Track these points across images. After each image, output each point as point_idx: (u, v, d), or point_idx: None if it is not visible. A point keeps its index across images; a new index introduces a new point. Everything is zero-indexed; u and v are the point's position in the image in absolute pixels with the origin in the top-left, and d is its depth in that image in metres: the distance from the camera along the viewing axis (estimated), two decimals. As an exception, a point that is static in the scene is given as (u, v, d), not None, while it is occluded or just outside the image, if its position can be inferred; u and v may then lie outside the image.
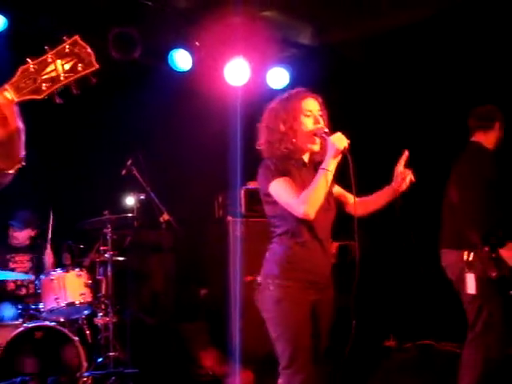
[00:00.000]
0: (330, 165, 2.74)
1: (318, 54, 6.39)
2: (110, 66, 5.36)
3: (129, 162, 5.27)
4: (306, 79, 6.42)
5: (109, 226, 4.97)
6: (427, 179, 4.11)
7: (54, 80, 1.89)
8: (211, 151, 5.96)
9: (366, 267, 2.90)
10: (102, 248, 5.07)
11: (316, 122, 2.89)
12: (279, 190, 2.81)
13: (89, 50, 1.93)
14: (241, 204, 5.54)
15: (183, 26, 5.58)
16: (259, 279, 2.91)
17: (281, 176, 2.81)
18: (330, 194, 2.90)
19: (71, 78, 1.91)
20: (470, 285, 3.66)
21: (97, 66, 1.93)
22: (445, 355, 5.12)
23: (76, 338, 4.46)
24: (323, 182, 2.72)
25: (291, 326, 2.78)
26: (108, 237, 4.98)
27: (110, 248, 4.97)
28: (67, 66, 1.90)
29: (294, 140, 2.87)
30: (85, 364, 4.41)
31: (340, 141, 2.72)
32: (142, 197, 5.32)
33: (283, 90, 6.45)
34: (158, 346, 5.11)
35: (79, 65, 1.91)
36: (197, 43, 5.70)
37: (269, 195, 2.86)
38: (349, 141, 2.73)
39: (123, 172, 5.25)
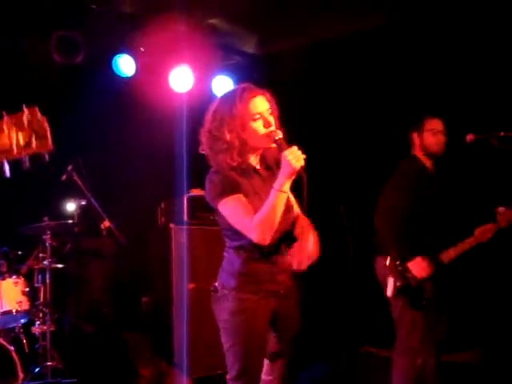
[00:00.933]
0: (284, 185, 2.50)
1: (262, 63, 6.45)
2: (52, 70, 5.33)
3: (69, 168, 5.20)
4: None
5: (48, 232, 4.89)
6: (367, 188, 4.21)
7: (5, 151, 1.78)
8: (155, 158, 5.93)
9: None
10: (40, 255, 4.98)
11: (267, 124, 2.64)
12: (229, 211, 2.62)
13: (46, 124, 1.81)
14: (184, 211, 5.52)
15: (128, 31, 5.54)
16: (216, 286, 2.80)
17: (229, 194, 2.59)
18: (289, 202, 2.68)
19: (23, 154, 1.79)
20: (389, 288, 3.81)
21: (51, 147, 1.81)
22: (383, 361, 5.22)
23: (12, 348, 4.35)
24: (277, 204, 2.49)
25: (244, 340, 2.69)
26: (47, 243, 4.91)
27: (49, 255, 4.90)
28: (21, 140, 1.78)
29: (241, 150, 2.65)
30: (21, 375, 4.29)
31: (296, 159, 2.45)
32: (82, 203, 5.25)
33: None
34: (98, 355, 5.03)
35: (34, 141, 1.78)
36: (141, 49, 5.67)
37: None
38: (304, 156, 2.48)
39: (63, 177, 5.18)
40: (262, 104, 2.68)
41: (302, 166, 2.47)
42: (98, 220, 5.28)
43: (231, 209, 2.62)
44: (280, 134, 2.61)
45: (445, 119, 4.08)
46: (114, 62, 5.59)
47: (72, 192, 5.24)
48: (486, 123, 3.90)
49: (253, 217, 2.54)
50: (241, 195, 2.61)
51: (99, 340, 5.16)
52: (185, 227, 5.42)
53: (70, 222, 5.14)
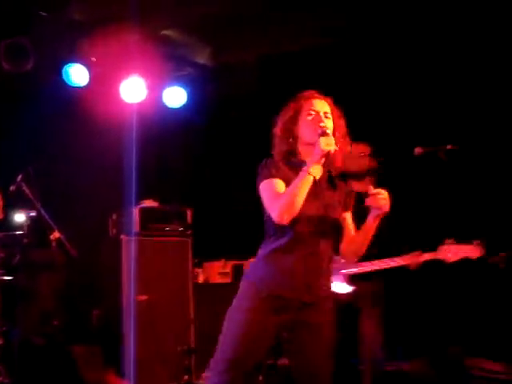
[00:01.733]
0: (311, 167, 2.53)
1: (215, 74, 6.47)
2: (1, 78, 5.23)
3: (19, 178, 5.10)
4: (203, 99, 6.50)
5: (-4, 243, 4.79)
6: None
7: None
8: (106, 168, 5.87)
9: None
10: (-12, 267, 4.86)
11: (318, 121, 2.68)
12: (262, 191, 2.64)
13: None
14: (135, 222, 5.48)
15: (79, 40, 5.49)
16: None
17: (270, 178, 2.62)
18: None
19: None
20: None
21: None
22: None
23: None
24: (301, 185, 2.51)
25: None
26: (-5, 255, 4.80)
27: (-2, 267, 4.79)
28: None
29: (290, 140, 2.73)
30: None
31: (327, 142, 2.53)
32: (32, 214, 5.15)
33: (179, 109, 6.54)
34: (48, 368, 4.94)
35: None
36: (93, 58, 5.62)
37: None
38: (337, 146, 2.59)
39: (12, 188, 5.08)
40: (321, 105, 2.75)
41: (329, 151, 2.53)
42: (48, 231, 5.19)
43: (265, 189, 2.64)
44: (328, 130, 2.62)
45: (394, 132, 4.17)
46: (65, 71, 5.52)
47: (21, 203, 5.14)
48: (434, 136, 3.99)
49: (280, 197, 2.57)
50: (279, 180, 2.63)
51: (49, 353, 5.06)
52: (136, 238, 5.39)
53: (19, 233, 5.04)
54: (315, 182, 2.60)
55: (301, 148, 2.74)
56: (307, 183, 2.53)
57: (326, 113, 2.73)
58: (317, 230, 2.62)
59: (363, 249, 2.77)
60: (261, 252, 2.72)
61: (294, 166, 2.68)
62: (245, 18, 5.27)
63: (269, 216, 2.62)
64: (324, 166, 2.67)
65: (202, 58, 6.28)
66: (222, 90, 6.49)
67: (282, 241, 2.62)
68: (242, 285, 2.71)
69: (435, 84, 5.33)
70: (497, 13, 4.76)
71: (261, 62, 6.05)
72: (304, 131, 2.71)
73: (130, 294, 5.28)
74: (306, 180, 2.52)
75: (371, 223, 2.66)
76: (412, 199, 5.32)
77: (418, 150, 3.72)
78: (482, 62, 5.11)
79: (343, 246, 2.80)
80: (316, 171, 2.57)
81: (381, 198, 2.59)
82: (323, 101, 2.77)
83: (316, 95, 2.78)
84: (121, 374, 5.14)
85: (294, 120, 2.74)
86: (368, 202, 2.63)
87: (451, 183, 3.59)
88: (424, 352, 5.24)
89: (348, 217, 2.82)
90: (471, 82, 5.18)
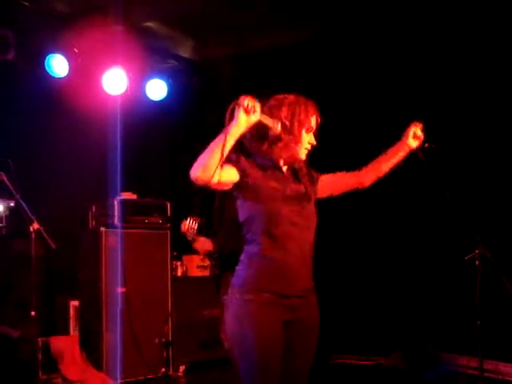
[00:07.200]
0: (235, 131, 2.37)
1: (198, 68, 6.48)
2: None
3: (-2, 169, 5.07)
4: (184, 92, 6.50)
5: (-26, 234, 4.77)
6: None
7: None
8: (87, 160, 5.85)
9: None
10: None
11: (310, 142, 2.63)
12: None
13: None
14: (115, 215, 5.48)
15: (61, 30, 5.46)
16: None
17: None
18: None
19: None
20: None
21: None
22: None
23: None
24: (218, 143, 2.34)
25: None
26: (-28, 245, 4.78)
27: (-25, 257, 4.78)
28: None
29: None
30: None
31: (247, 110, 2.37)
32: (11, 204, 5.13)
33: (161, 102, 6.52)
34: (24, 360, 4.93)
35: None
36: (75, 49, 5.60)
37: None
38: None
39: (-9, 178, 5.04)
40: (313, 122, 2.66)
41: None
42: (27, 222, 5.16)
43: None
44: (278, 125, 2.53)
45: (373, 127, 4.19)
46: (46, 61, 5.49)
47: (0, 193, 5.11)
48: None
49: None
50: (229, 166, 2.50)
51: (26, 345, 5.05)
52: (115, 230, 5.39)
53: (-2, 223, 5.02)
54: (284, 182, 2.59)
55: (276, 151, 2.61)
56: (224, 142, 2.34)
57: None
58: (298, 225, 2.57)
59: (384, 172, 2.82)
60: (246, 258, 2.57)
61: (263, 166, 2.59)
62: (228, 14, 5.28)
63: (250, 220, 2.55)
64: (287, 164, 2.65)
65: (185, 51, 6.28)
66: (203, 83, 6.50)
67: (266, 242, 2.52)
68: (237, 298, 2.50)
69: (415, 80, 5.39)
70: (472, 11, 4.83)
71: (244, 57, 6.07)
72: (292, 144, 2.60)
73: (109, 286, 5.28)
74: (223, 140, 2.34)
75: (402, 153, 2.79)
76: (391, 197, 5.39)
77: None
78: (459, 61, 5.18)
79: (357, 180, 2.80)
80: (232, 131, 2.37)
81: (417, 134, 2.76)
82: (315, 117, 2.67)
83: (316, 110, 2.67)
84: (98, 365, 5.15)
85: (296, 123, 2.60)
86: (405, 135, 2.77)
87: (427, 181, 3.62)
88: (399, 347, 5.32)
89: (325, 177, 2.77)
90: (452, 80, 5.25)
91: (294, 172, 2.69)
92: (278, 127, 2.52)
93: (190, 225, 4.02)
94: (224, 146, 2.34)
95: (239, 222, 2.63)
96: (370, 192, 2.82)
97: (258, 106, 2.40)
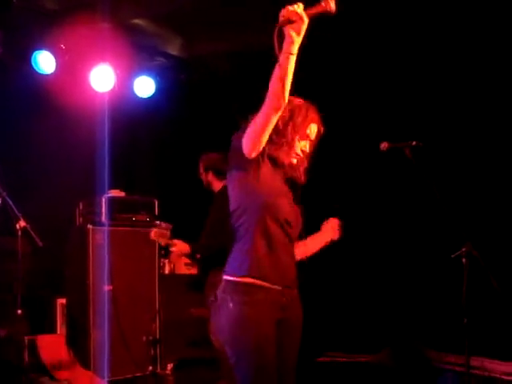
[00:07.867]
0: (294, 47, 2.25)
1: (186, 66, 6.45)
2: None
3: (-16, 166, 5.03)
4: (172, 89, 6.48)
5: (-41, 231, 4.73)
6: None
7: None
8: (74, 157, 5.83)
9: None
10: (-49, 255, 4.81)
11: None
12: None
13: None
14: (102, 212, 5.46)
15: (49, 27, 5.42)
16: None
17: None
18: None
19: None
20: None
21: None
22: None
23: None
24: (282, 67, 2.26)
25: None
26: (-42, 243, 4.75)
27: (-40, 255, 4.74)
28: None
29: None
30: None
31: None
32: (-4, 202, 5.09)
33: (149, 99, 6.50)
34: (10, 358, 4.90)
35: None
36: (62, 46, 5.56)
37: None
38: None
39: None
40: (313, 130, 2.64)
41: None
42: (14, 220, 5.13)
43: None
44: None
45: (359, 126, 4.17)
46: (33, 58, 5.45)
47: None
48: (401, 132, 4.03)
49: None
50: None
51: (12, 343, 5.02)
52: (102, 228, 5.38)
53: (-17, 221, 4.98)
54: (281, 181, 2.60)
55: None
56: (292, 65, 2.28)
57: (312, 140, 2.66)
58: (290, 223, 2.58)
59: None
60: (239, 256, 2.53)
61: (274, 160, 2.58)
62: (216, 11, 5.26)
63: (243, 220, 2.51)
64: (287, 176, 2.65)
65: (174, 49, 6.26)
66: (192, 81, 6.48)
67: (259, 234, 2.49)
68: (230, 300, 2.47)
69: (403, 78, 5.40)
70: (472, 10, 4.84)
71: (232, 55, 6.05)
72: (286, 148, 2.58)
73: (96, 284, 5.27)
74: (291, 62, 2.27)
75: (318, 245, 2.83)
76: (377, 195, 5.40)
77: (383, 145, 3.70)
78: (448, 60, 5.19)
79: None
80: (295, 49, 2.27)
81: (335, 228, 2.78)
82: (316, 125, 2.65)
83: (319, 118, 2.66)
84: (86, 364, 5.13)
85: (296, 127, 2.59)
86: (324, 228, 2.82)
87: (415, 180, 3.62)
88: (387, 344, 5.33)
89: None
90: (440, 79, 5.27)
91: (293, 183, 2.68)
92: (331, 4, 2.24)
93: (160, 232, 4.03)
94: (288, 66, 2.25)
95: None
96: (358, 190, 2.83)
97: (300, 7, 2.22)
